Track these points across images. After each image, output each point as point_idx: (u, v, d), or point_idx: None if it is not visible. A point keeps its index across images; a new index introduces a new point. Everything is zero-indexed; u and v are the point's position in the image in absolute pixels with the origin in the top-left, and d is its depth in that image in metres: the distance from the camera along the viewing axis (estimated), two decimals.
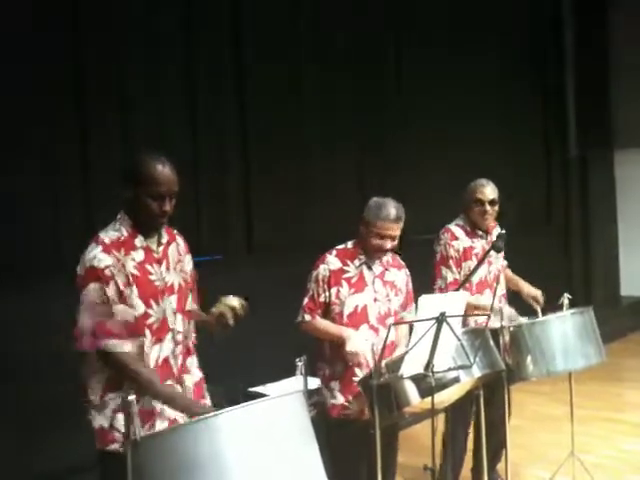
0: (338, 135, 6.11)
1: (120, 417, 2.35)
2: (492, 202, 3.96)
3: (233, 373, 4.38)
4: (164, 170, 2.48)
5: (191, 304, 2.69)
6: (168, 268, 2.57)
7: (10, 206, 4.02)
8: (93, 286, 2.40)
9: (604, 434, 5.17)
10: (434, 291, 3.90)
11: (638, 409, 5.78)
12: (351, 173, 6.23)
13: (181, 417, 2.44)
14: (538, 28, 8.54)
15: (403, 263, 3.47)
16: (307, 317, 3.27)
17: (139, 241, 2.51)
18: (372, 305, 3.25)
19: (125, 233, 2.50)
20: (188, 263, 2.71)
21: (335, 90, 6.11)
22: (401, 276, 3.41)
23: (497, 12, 7.63)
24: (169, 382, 2.51)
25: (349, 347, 3.07)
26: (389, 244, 3.20)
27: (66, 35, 4.39)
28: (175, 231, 2.70)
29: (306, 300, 3.28)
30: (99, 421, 2.46)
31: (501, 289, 4.07)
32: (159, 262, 2.54)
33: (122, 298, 2.42)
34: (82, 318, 2.40)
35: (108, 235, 2.48)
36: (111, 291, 2.41)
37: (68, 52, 4.39)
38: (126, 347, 2.40)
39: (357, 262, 3.27)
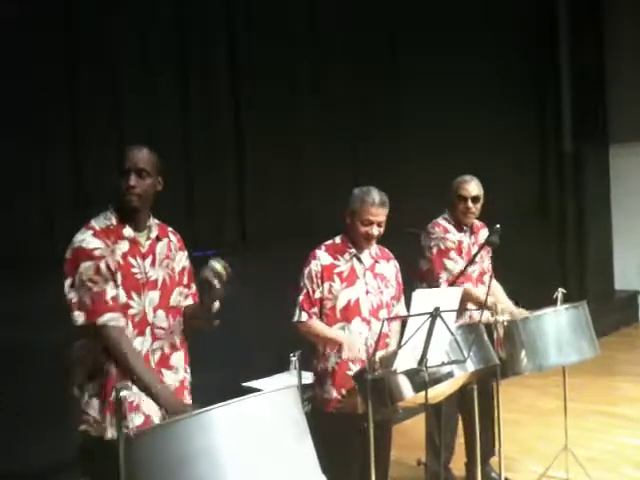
0: (333, 130, 6.09)
1: (94, 402, 2.42)
2: (475, 199, 3.91)
3: (227, 367, 4.38)
4: (135, 149, 2.52)
5: (180, 301, 2.65)
6: (153, 264, 2.56)
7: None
8: (85, 264, 2.42)
9: (597, 427, 5.19)
10: (439, 285, 3.87)
11: (631, 402, 5.80)
12: (346, 168, 6.21)
13: (156, 413, 2.44)
14: (534, 24, 8.51)
15: (392, 255, 3.46)
16: (304, 316, 3.22)
17: (127, 232, 2.53)
18: (364, 298, 3.24)
19: (114, 222, 2.52)
20: (180, 260, 2.69)
21: (331, 86, 6.09)
22: (390, 268, 3.40)
23: (493, 8, 7.61)
24: None
25: (347, 354, 3.17)
26: (376, 230, 3.23)
27: (58, 35, 4.36)
28: (170, 228, 2.70)
29: (301, 298, 3.24)
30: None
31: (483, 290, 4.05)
32: (144, 257, 2.54)
33: (113, 278, 2.45)
34: (77, 295, 2.41)
35: (99, 223, 2.52)
36: (104, 268, 2.43)
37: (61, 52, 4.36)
38: (121, 322, 2.42)
39: (347, 256, 3.27)
